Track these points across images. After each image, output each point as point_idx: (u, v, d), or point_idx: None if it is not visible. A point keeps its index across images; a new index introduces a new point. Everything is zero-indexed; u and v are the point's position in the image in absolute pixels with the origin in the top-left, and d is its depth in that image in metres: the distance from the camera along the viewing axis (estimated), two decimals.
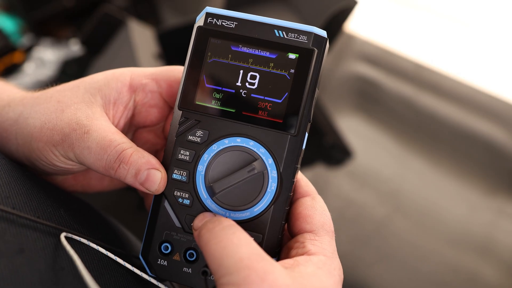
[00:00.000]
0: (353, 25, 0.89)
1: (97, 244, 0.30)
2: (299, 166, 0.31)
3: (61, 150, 0.30)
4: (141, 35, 0.70)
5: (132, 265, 0.31)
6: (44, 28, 0.94)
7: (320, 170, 0.63)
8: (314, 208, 0.30)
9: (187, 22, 0.75)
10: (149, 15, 0.98)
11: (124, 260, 0.31)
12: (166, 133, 0.36)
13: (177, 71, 0.34)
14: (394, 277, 0.50)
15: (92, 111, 0.31)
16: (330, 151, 0.66)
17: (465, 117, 0.68)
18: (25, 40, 0.93)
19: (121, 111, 0.33)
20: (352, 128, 0.69)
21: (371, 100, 0.74)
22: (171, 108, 0.35)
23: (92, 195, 0.65)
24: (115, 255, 0.31)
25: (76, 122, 0.30)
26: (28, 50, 0.91)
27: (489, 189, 0.58)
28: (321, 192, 0.31)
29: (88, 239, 0.30)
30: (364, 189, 0.60)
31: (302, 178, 0.32)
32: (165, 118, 0.36)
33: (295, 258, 0.27)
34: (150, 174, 0.30)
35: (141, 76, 0.33)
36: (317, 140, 0.67)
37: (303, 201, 0.30)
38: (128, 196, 0.64)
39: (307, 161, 0.64)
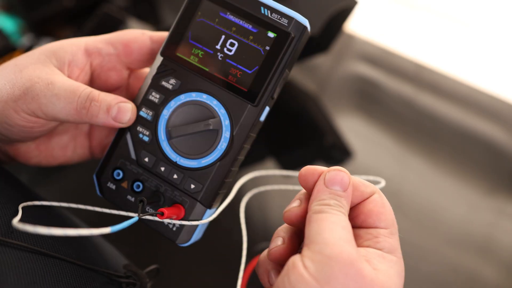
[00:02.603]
0: (353, 25, 0.89)
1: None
2: (254, 135, 0.34)
3: (22, 104, 0.31)
4: None
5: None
6: (44, 28, 0.94)
7: None
8: (384, 206, 0.30)
9: None
10: (149, 15, 0.98)
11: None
12: (130, 93, 0.39)
13: (130, 32, 0.35)
14: None
15: (50, 69, 0.33)
16: (330, 151, 0.66)
17: (465, 117, 0.68)
18: (25, 40, 0.92)
19: (76, 73, 0.34)
20: (352, 128, 0.69)
21: (371, 100, 0.74)
22: (129, 70, 0.37)
23: (92, 197, 0.65)
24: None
25: (36, 76, 0.32)
26: (28, 50, 0.91)
27: (489, 189, 0.58)
28: None
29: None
30: None
31: (362, 181, 0.31)
32: (124, 81, 0.37)
33: (367, 249, 0.28)
34: (121, 106, 0.33)
35: (96, 41, 0.35)
36: (317, 140, 0.67)
37: (373, 199, 0.30)
38: None
39: (308, 161, 0.64)
